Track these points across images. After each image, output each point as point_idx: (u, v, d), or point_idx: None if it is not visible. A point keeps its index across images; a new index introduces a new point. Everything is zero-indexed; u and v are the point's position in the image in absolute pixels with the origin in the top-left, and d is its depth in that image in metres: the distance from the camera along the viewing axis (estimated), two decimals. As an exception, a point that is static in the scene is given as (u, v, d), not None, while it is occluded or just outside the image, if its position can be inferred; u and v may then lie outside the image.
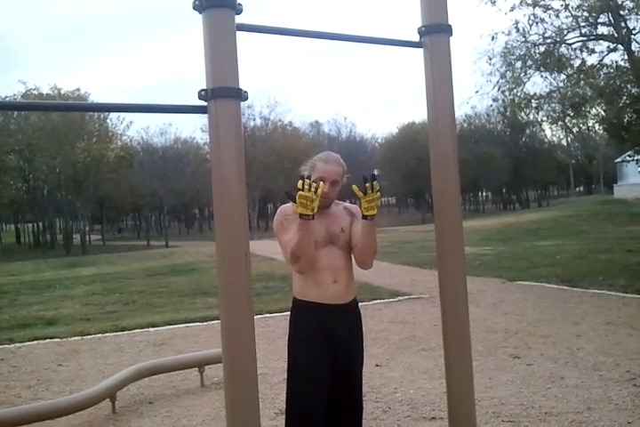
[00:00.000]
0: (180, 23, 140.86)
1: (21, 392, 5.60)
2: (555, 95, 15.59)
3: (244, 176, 1.96)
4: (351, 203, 3.45)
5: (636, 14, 13.64)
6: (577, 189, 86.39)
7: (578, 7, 14.06)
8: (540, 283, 11.24)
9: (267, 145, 51.03)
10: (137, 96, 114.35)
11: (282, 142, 53.60)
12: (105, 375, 5.76)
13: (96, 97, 53.61)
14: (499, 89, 15.45)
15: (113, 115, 51.85)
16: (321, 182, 2.84)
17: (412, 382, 5.34)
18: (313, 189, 2.76)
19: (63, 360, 6.76)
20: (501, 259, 15.91)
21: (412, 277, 12.98)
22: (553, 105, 16.46)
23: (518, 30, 14.50)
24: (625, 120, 15.48)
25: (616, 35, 13.80)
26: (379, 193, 2.94)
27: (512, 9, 14.36)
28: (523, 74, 15.04)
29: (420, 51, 2.46)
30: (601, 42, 14.54)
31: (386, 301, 9.95)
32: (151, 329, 8.42)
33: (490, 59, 15.13)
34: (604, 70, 14.63)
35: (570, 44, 14.62)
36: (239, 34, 2.00)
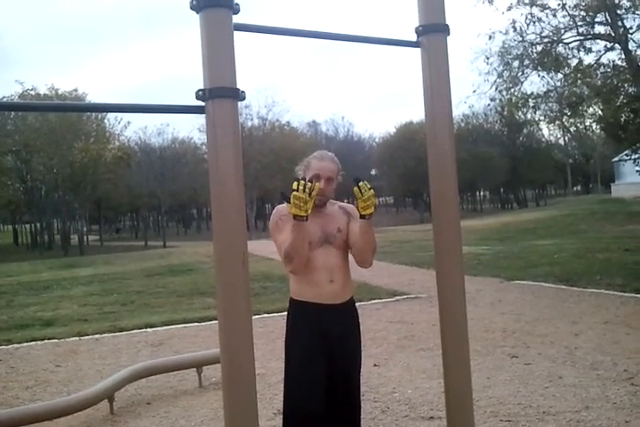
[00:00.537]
0: (177, 23, 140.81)
1: (19, 393, 5.59)
2: (552, 94, 15.63)
3: (241, 176, 1.96)
4: (349, 202, 3.45)
5: (633, 13, 13.67)
6: (574, 189, 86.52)
7: (575, 6, 14.11)
8: (537, 282, 11.25)
9: (264, 145, 51.00)
10: (134, 96, 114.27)
11: (279, 142, 53.59)
12: (103, 376, 5.75)
13: (93, 97, 53.63)
14: (496, 88, 15.49)
15: (110, 115, 51.82)
16: (316, 184, 2.84)
17: (410, 382, 5.34)
18: (307, 191, 2.75)
19: (61, 361, 6.75)
20: (499, 258, 15.92)
21: (410, 277, 12.98)
22: (550, 104, 16.50)
23: (515, 30, 14.55)
24: (622, 119, 15.53)
25: (613, 34, 13.84)
26: (371, 191, 2.91)
27: (509, 8, 14.41)
28: (520, 73, 15.07)
29: (418, 50, 2.46)
30: (598, 41, 14.57)
31: (384, 300, 9.95)
32: (149, 330, 8.42)
33: (487, 58, 15.19)
34: (601, 69, 14.66)
35: (567, 44, 14.66)
36: (236, 34, 1.99)
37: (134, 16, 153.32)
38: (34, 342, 7.88)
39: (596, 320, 7.60)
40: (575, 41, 14.59)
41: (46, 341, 7.95)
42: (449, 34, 2.46)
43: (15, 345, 7.78)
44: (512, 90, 15.38)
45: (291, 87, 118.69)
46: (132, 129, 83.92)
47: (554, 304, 8.93)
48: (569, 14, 14.23)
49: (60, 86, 55.89)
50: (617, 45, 13.92)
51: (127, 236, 78.23)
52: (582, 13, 14.14)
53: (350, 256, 3.23)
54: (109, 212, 76.72)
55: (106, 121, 52.75)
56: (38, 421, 4.32)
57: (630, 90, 14.50)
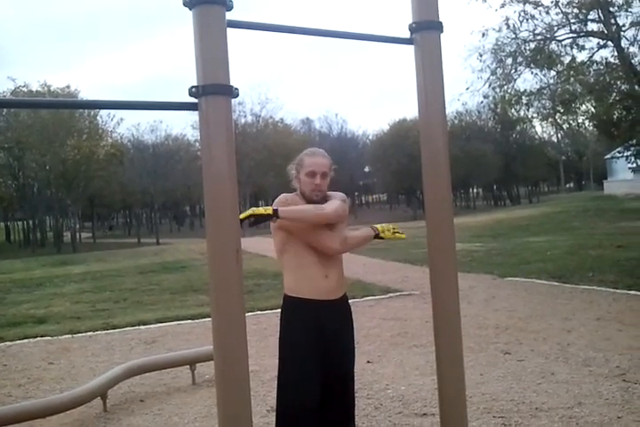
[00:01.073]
0: (170, 20, 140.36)
1: (12, 391, 5.58)
2: (545, 92, 15.63)
3: (235, 173, 1.95)
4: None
5: (626, 11, 13.68)
6: (567, 186, 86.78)
7: (568, 4, 14.09)
8: (530, 279, 11.28)
9: (258, 142, 51.01)
10: (127, 93, 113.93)
11: (273, 139, 53.62)
12: (96, 374, 5.75)
13: (86, 94, 53.39)
14: (489, 86, 15.47)
15: (103, 112, 51.60)
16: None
17: (403, 379, 5.35)
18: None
19: (54, 359, 6.74)
20: (492, 255, 15.97)
21: (403, 274, 13.00)
22: (543, 102, 16.50)
23: (509, 27, 14.52)
24: (614, 117, 15.54)
25: (606, 31, 13.84)
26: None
27: (502, 5, 14.38)
28: (513, 70, 15.06)
29: (411, 47, 2.46)
30: (591, 38, 14.57)
31: (377, 297, 9.96)
32: (142, 327, 8.40)
33: (480, 55, 15.15)
34: (594, 67, 14.67)
35: (560, 41, 14.65)
36: (230, 30, 1.99)
37: (127, 13, 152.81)
38: (26, 340, 7.86)
39: (588, 317, 7.63)
40: (568, 38, 14.58)
41: (39, 338, 7.93)
42: (442, 31, 2.46)
43: (7, 343, 7.76)
44: (505, 87, 15.37)
45: (284, 84, 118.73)
46: (124, 126, 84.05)
47: (546, 301, 8.96)
48: (562, 11, 14.23)
49: (52, 83, 55.65)
50: (610, 43, 13.92)
51: (120, 233, 78.07)
52: (575, 11, 14.13)
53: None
54: (102, 209, 76.56)
55: (98, 118, 52.69)
56: (31, 418, 4.31)
57: (623, 87, 14.52)
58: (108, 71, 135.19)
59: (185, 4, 1.95)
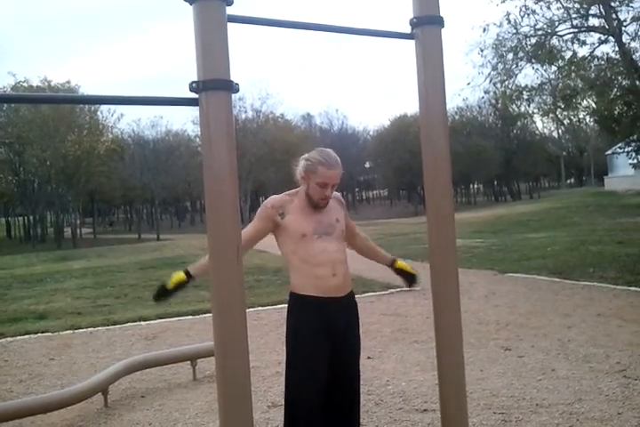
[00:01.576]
0: (170, 15, 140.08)
1: (13, 387, 5.59)
2: (546, 87, 15.62)
3: (235, 169, 1.95)
4: (343, 196, 3.52)
5: (627, 6, 13.65)
6: (568, 181, 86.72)
7: (569, -1, 14.06)
8: (531, 275, 11.28)
9: (258, 137, 50.99)
10: (128, 88, 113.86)
11: (273, 135, 53.58)
12: (97, 369, 5.75)
13: (86, 89, 53.40)
14: (490, 81, 15.45)
15: (103, 107, 51.66)
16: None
17: (403, 375, 5.36)
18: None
19: (55, 354, 6.74)
20: (493, 251, 15.96)
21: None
22: (544, 97, 16.49)
23: (510, 22, 14.49)
24: (616, 112, 15.52)
25: (607, 26, 13.81)
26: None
27: (503, 0, 14.35)
28: (514, 66, 15.04)
29: (412, 42, 2.45)
30: (592, 33, 14.55)
31: (378, 293, 9.96)
32: (143, 323, 8.41)
33: (481, 50, 15.13)
34: (595, 62, 14.64)
35: (561, 36, 14.62)
36: (230, 25, 1.98)
37: (128, 8, 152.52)
38: (27, 336, 7.86)
39: (588, 313, 7.63)
40: (569, 33, 14.56)
41: (40, 334, 7.93)
42: (443, 26, 2.45)
43: (8, 338, 7.76)
44: (506, 82, 15.35)
45: (285, 79, 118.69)
46: (125, 121, 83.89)
47: (547, 297, 8.96)
48: (563, 6, 14.20)
49: (52, 78, 55.47)
50: (611, 38, 13.89)
51: (120, 229, 78.08)
52: (576, 6, 14.10)
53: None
54: (103, 204, 76.72)
55: (99, 113, 52.66)
56: (32, 414, 4.32)
57: (624, 83, 14.50)
58: (108, 67, 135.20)
59: (185, -1, 1.94)
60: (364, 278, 11.36)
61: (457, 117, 65.86)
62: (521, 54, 14.79)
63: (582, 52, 14.85)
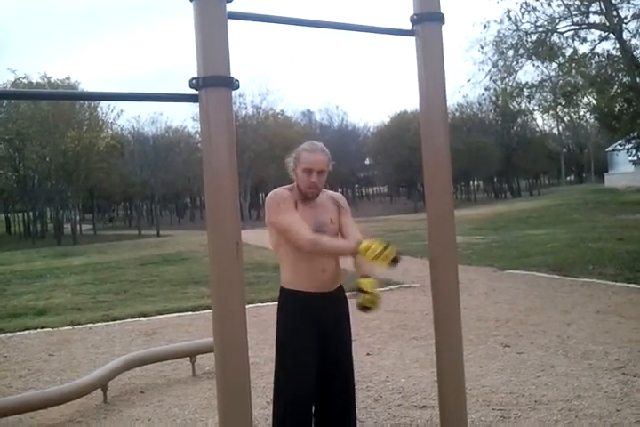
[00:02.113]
0: (171, 11, 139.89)
1: (12, 382, 5.59)
2: (546, 84, 15.61)
3: (235, 165, 1.95)
4: (341, 193, 3.49)
5: (628, 3, 13.64)
6: (568, 178, 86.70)
7: (570, -5, 14.05)
8: (530, 272, 11.29)
9: (258, 134, 50.95)
10: (128, 85, 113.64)
11: (273, 131, 53.54)
12: (96, 365, 5.75)
13: (86, 86, 53.28)
14: (490, 78, 15.45)
15: (103, 103, 51.48)
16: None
17: (403, 371, 5.36)
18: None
19: (54, 350, 6.75)
20: (493, 248, 15.97)
21: (403, 266, 12.90)
22: (544, 94, 16.48)
23: (510, 19, 14.47)
24: (616, 109, 15.54)
25: (607, 23, 13.80)
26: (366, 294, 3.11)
27: (504, -3, 14.33)
28: (514, 63, 15.03)
29: (413, 39, 2.45)
30: (592, 31, 14.54)
31: (377, 290, 9.96)
32: (143, 319, 8.41)
33: (482, 47, 15.13)
34: (596, 59, 14.65)
35: (562, 33, 14.61)
36: (230, 22, 1.98)
37: (128, 4, 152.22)
38: (27, 331, 7.87)
39: (588, 310, 7.63)
40: (570, 30, 14.55)
41: (39, 330, 7.94)
42: (444, 23, 2.45)
43: (8, 334, 7.77)
44: (506, 79, 15.35)
45: (285, 76, 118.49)
46: (125, 118, 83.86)
47: (546, 294, 8.97)
48: (564, 3, 14.18)
49: (52, 75, 55.38)
50: (611, 35, 13.88)
51: (120, 225, 78.00)
52: (577, 3, 14.08)
53: None
54: (103, 201, 76.64)
55: (99, 109, 52.56)
56: (32, 410, 4.33)
57: (624, 80, 14.49)
58: (107, 63, 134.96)
59: (185, -4, 1.94)
60: (363, 275, 11.36)
61: (457, 114, 65.76)
62: (521, 51, 14.78)
63: (583, 49, 14.87)
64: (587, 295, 8.68)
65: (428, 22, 2.42)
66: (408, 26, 2.47)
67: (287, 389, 3.12)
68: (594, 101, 17.06)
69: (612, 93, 14.79)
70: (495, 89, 16.30)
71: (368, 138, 74.43)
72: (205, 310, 8.49)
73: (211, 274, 1.96)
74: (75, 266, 17.66)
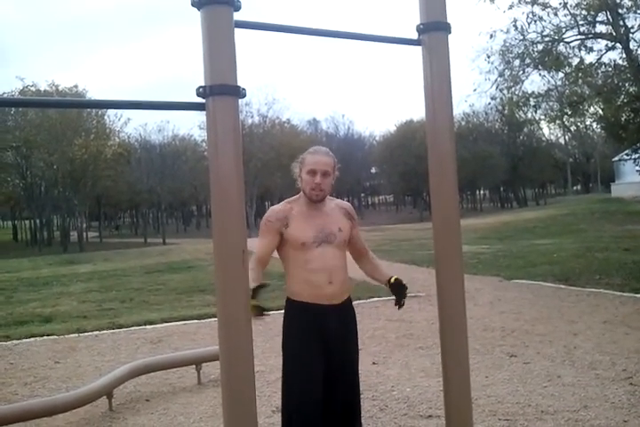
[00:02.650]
0: (179, 20, 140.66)
1: (18, 389, 5.60)
2: (553, 94, 15.62)
3: (242, 173, 1.96)
4: (347, 201, 3.47)
5: (635, 13, 13.66)
6: (574, 188, 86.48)
7: (576, 5, 14.08)
8: (537, 281, 11.25)
9: (264, 142, 51.06)
10: (135, 93, 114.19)
11: (279, 140, 53.67)
12: (102, 373, 5.75)
13: (94, 94, 53.56)
14: (497, 87, 15.47)
15: (110, 112, 51.74)
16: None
17: (408, 380, 5.34)
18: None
19: (60, 357, 6.75)
20: (499, 257, 15.93)
21: (409, 276, 12.95)
22: (551, 103, 16.49)
23: (517, 28, 14.52)
24: (623, 119, 15.53)
25: (614, 33, 13.82)
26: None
27: (510, 7, 14.39)
28: (521, 72, 15.06)
29: (419, 48, 2.46)
30: (599, 40, 14.57)
31: (383, 299, 9.93)
32: (148, 327, 8.41)
33: (488, 57, 15.16)
34: (603, 69, 14.66)
35: (568, 43, 14.64)
36: (237, 31, 1.99)
37: (137, 13, 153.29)
38: (33, 339, 7.88)
39: (594, 320, 7.60)
40: (576, 40, 14.58)
41: (45, 337, 7.94)
42: (450, 32, 2.45)
43: (14, 341, 7.78)
44: (513, 89, 15.37)
45: (291, 85, 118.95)
46: (132, 126, 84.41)
47: (553, 303, 8.93)
48: (570, 13, 14.22)
49: (60, 83, 55.81)
50: (618, 45, 13.90)
51: (127, 233, 78.18)
52: (584, 12, 14.12)
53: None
54: (109, 208, 76.80)
55: (106, 117, 52.84)
56: (37, 417, 4.32)
57: (631, 89, 14.49)
58: (115, 71, 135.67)
59: (193, 5, 1.96)
60: (369, 284, 11.30)
61: (463, 123, 65.77)
62: (528, 61, 14.81)
63: (589, 58, 14.88)
64: (593, 305, 8.64)
65: (434, 32, 2.42)
66: (414, 35, 2.48)
67: (292, 399, 3.09)
68: (600, 111, 17.06)
69: (619, 103, 14.78)
70: (501, 98, 16.32)
71: (374, 147, 74.53)
72: (211, 318, 8.48)
73: (216, 282, 1.96)
74: (81, 274, 17.70)
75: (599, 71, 14.70)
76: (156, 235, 59.06)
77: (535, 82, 16.75)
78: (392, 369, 5.74)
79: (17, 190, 53.82)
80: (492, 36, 14.83)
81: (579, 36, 14.56)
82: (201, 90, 1.93)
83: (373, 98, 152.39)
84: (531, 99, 15.56)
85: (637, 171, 17.36)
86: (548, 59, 14.42)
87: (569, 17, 14.32)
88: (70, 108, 43.73)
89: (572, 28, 14.42)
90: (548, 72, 15.10)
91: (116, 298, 11.74)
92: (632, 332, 6.83)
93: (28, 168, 51.39)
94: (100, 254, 30.13)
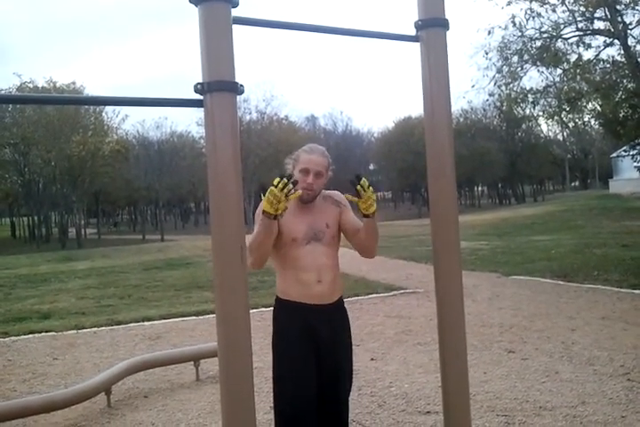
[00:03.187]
0: (176, 16, 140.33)
1: (17, 386, 5.60)
2: (551, 90, 15.59)
3: (240, 170, 1.95)
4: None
5: (633, 9, 13.64)
6: (572, 184, 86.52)
7: (574, 2, 14.04)
8: (535, 277, 11.27)
9: (262, 139, 51.01)
10: (133, 89, 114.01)
11: (278, 136, 53.59)
12: (100, 369, 5.76)
13: (91, 90, 53.51)
14: (495, 83, 15.45)
15: (108, 108, 51.66)
16: (297, 192, 2.73)
17: (407, 377, 5.35)
18: (285, 191, 2.67)
19: (59, 354, 6.76)
20: (497, 253, 15.95)
21: (407, 272, 12.98)
22: (549, 100, 16.46)
23: (515, 25, 14.48)
24: (621, 115, 15.50)
25: (612, 29, 13.79)
26: (371, 188, 2.88)
27: (509, 3, 14.35)
28: (519, 68, 15.03)
29: (417, 45, 2.45)
30: (597, 37, 14.53)
31: (381, 295, 9.95)
32: (147, 323, 8.42)
33: (486, 53, 15.13)
34: (601, 65, 14.63)
35: (566, 39, 14.61)
36: (235, 27, 1.99)
37: (133, 9, 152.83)
38: (31, 335, 7.88)
39: (592, 316, 7.61)
40: (574, 36, 14.54)
41: (44, 333, 7.95)
42: (448, 28, 2.45)
43: (12, 338, 7.78)
44: (511, 85, 15.35)
45: (289, 81, 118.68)
46: (129, 122, 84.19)
47: (551, 299, 8.95)
48: (568, 9, 14.19)
49: (58, 79, 55.69)
50: (616, 41, 13.88)
51: (125, 229, 78.08)
52: (582, 9, 14.09)
53: (342, 251, 3.19)
54: (107, 205, 76.68)
55: (104, 114, 52.67)
56: (35, 413, 4.33)
57: (629, 86, 14.47)
58: (112, 68, 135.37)
59: (191, 1, 1.95)
60: (367, 280, 11.36)
61: (461, 120, 65.69)
62: (526, 57, 14.79)
63: (587, 55, 14.84)
64: (591, 301, 8.66)
65: (432, 28, 2.42)
66: (412, 31, 2.48)
67: (284, 398, 3.03)
68: (598, 107, 17.02)
69: (617, 99, 14.75)
70: (500, 95, 16.30)
71: (372, 143, 74.44)
72: (209, 314, 8.49)
73: (214, 279, 1.96)
74: (79, 270, 17.70)
75: (597, 68, 14.67)
76: (154, 231, 59.00)
77: (533, 78, 16.73)
78: (390, 365, 5.75)
79: (15, 187, 53.74)
80: (490, 33, 14.80)
81: (577, 33, 14.53)
82: (199, 86, 1.93)
83: (372, 94, 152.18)
84: (529, 95, 15.53)
85: (635, 167, 17.36)
86: (547, 55, 14.40)
87: (567, 13, 14.29)
88: (68, 105, 43.67)
89: (571, 24, 14.39)
90: (547, 68, 15.08)
91: (115, 295, 11.75)
92: (630, 328, 6.85)
93: (25, 165, 51.28)
94: (99, 251, 30.12)
